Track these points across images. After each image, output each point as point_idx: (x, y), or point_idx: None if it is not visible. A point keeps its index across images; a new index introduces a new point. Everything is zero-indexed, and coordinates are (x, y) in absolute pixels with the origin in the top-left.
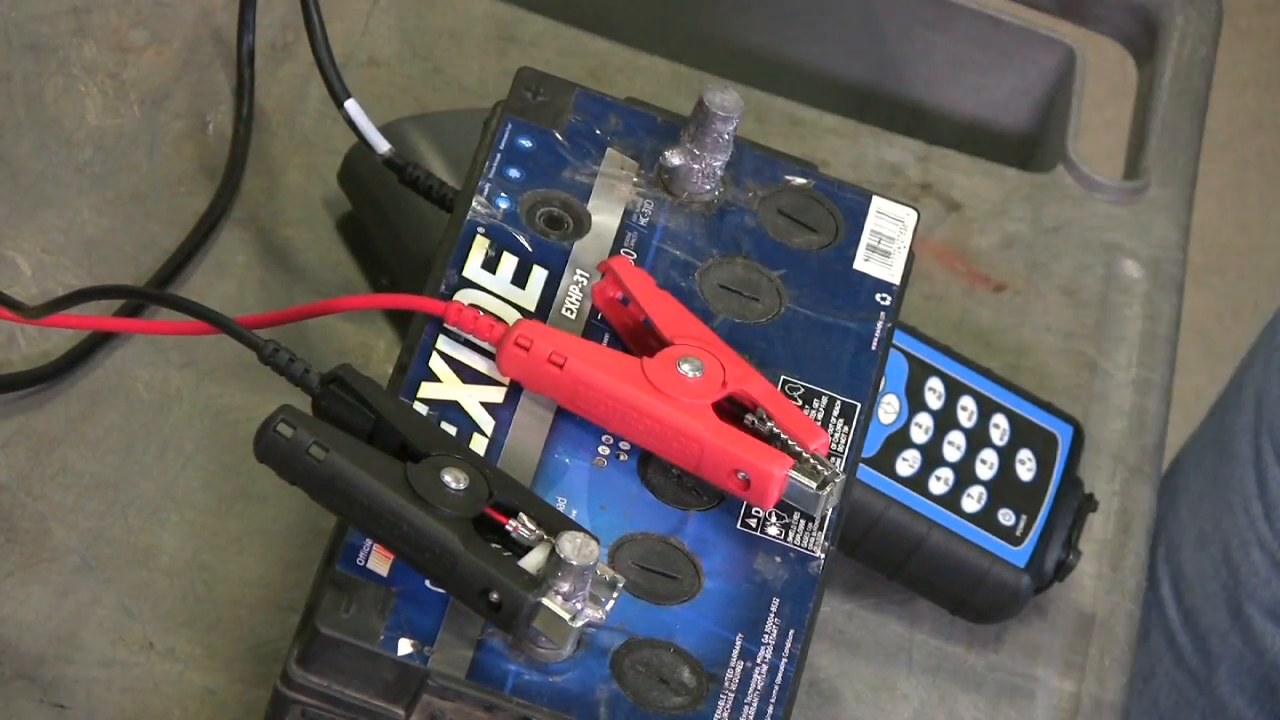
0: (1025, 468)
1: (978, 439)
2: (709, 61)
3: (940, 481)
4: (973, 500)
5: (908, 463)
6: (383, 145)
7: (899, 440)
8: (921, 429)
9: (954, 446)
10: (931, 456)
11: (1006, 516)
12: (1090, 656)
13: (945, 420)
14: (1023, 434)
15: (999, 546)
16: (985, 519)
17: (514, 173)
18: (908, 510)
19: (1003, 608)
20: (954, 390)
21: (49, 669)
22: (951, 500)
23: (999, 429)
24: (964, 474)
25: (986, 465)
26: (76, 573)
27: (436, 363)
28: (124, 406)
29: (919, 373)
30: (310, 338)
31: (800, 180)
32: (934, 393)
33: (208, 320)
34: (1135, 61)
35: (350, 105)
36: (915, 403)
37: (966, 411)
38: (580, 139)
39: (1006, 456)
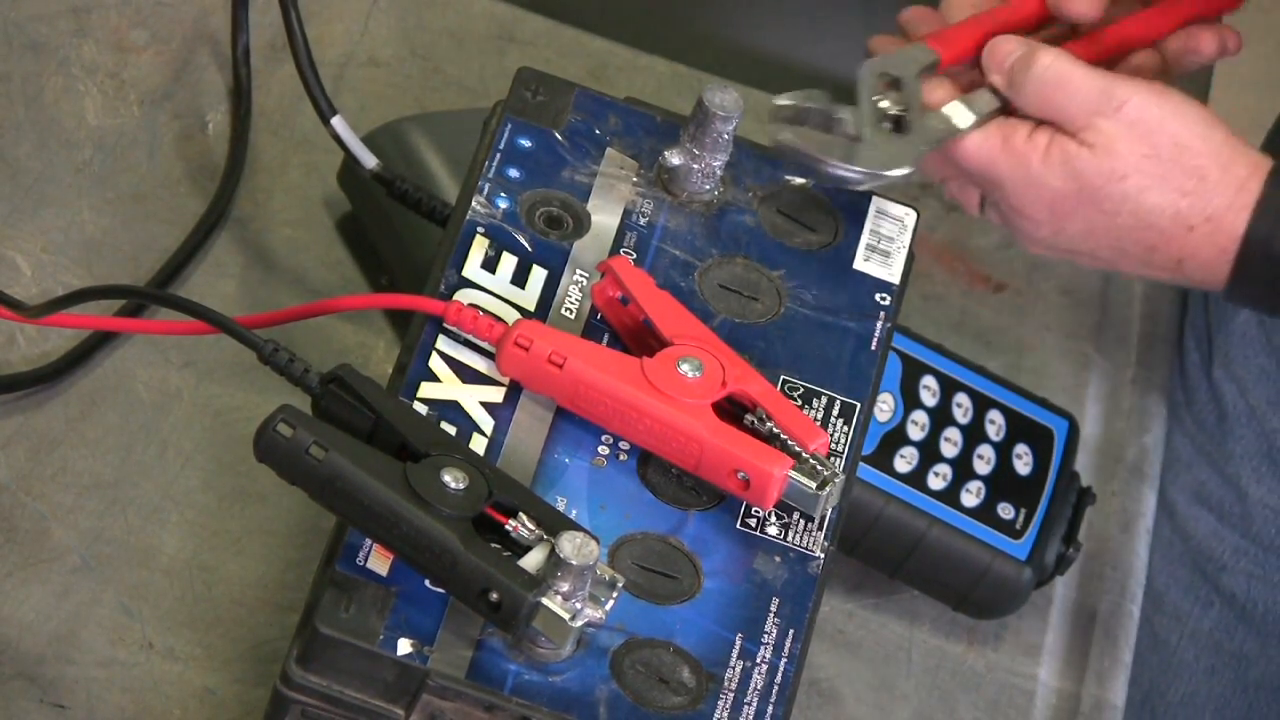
0: (1022, 462)
1: (974, 435)
2: (708, 61)
3: (939, 477)
4: (972, 495)
5: (905, 459)
6: (370, 160)
7: (896, 438)
8: (918, 426)
9: (951, 443)
10: (929, 453)
11: (1006, 510)
12: (1090, 657)
13: (941, 417)
14: (1018, 429)
15: (1000, 540)
16: (985, 513)
17: (514, 172)
18: (907, 506)
19: (1005, 602)
20: (949, 388)
21: (49, 669)
22: (951, 495)
23: (994, 425)
24: (962, 469)
25: (984, 460)
26: (76, 572)
27: (436, 362)
28: (124, 406)
29: (913, 371)
30: (310, 338)
31: (800, 180)
32: (929, 390)
33: (207, 320)
34: None
35: (336, 122)
36: (910, 401)
37: (962, 408)
38: (580, 139)
39: (1003, 451)
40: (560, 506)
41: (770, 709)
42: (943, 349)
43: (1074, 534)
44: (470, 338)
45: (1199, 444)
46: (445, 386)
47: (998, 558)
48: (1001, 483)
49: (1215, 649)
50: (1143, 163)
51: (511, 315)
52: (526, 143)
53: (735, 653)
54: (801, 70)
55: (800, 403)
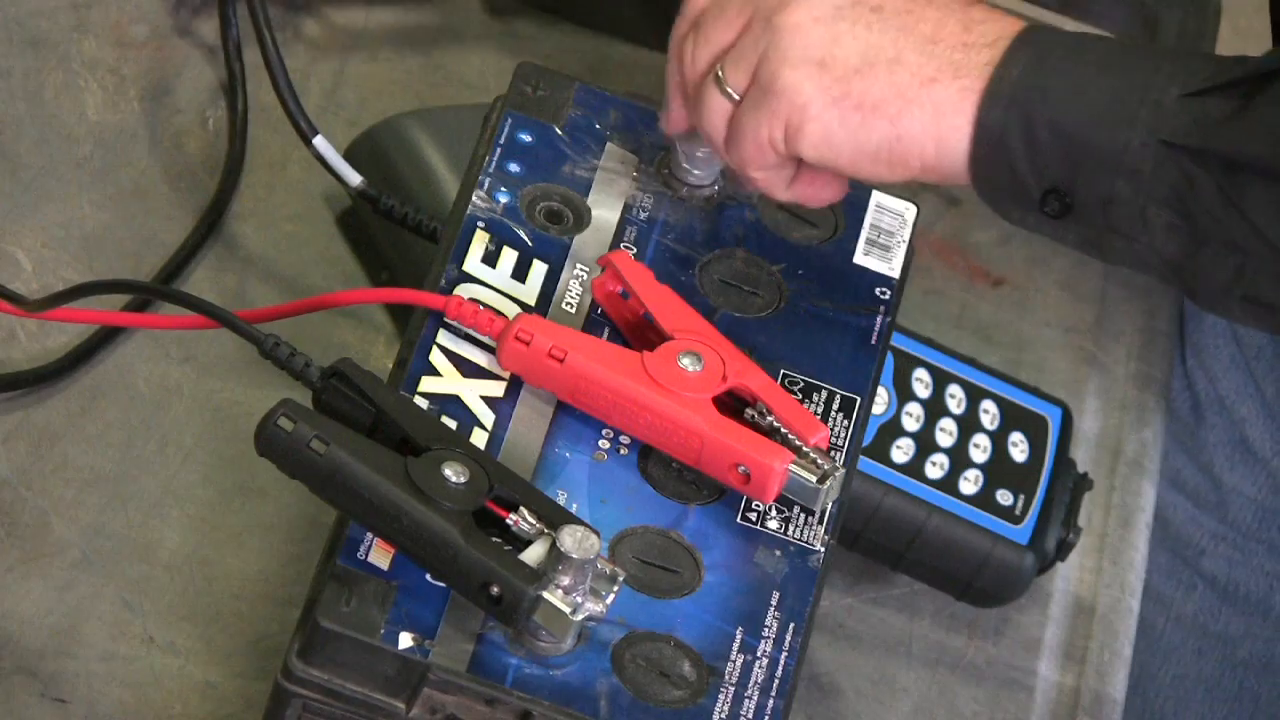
0: (1018, 450)
1: (969, 424)
2: None
3: (936, 466)
4: (970, 483)
5: (902, 450)
6: (354, 178)
7: (891, 429)
8: (912, 417)
9: (946, 433)
10: (925, 443)
11: (1005, 497)
12: (1090, 650)
13: (935, 408)
14: (1012, 418)
15: (1000, 526)
16: (984, 500)
17: (514, 167)
18: (907, 496)
19: (1008, 588)
20: (941, 379)
21: (49, 663)
22: (949, 483)
23: (988, 414)
24: (959, 458)
25: (980, 449)
26: (77, 567)
27: (437, 357)
28: (124, 401)
29: (904, 364)
30: (310, 332)
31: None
32: (921, 382)
33: (208, 315)
34: None
35: (318, 142)
36: (904, 393)
37: (955, 399)
38: (580, 133)
39: (998, 440)
40: (561, 500)
41: (771, 702)
42: (933, 342)
43: (1073, 519)
44: (471, 332)
45: (1173, 432)
46: (446, 381)
47: (999, 543)
48: (999, 470)
49: (1201, 631)
50: None
51: (512, 310)
52: (527, 138)
53: (736, 646)
54: None
55: (801, 397)
